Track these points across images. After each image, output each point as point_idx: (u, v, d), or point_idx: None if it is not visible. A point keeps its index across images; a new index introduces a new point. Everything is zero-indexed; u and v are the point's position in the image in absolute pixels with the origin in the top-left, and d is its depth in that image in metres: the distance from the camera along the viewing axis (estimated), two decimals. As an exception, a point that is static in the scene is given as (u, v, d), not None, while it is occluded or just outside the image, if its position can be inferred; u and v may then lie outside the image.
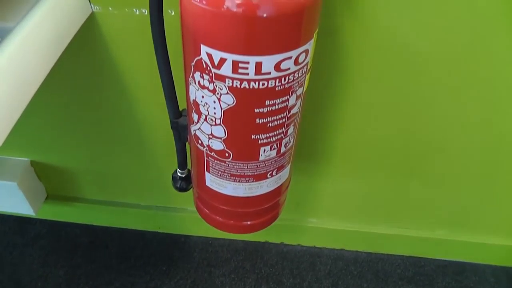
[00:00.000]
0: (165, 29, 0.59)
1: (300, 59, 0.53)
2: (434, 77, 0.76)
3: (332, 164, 0.98)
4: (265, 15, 0.47)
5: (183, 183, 0.86)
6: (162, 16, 0.58)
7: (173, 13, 0.70)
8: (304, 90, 0.60)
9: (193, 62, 0.54)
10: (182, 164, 0.82)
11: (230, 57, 0.50)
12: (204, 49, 0.51)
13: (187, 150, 0.77)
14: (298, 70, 0.54)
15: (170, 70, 0.65)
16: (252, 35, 0.49)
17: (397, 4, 0.66)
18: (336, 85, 0.79)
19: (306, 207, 1.13)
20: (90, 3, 0.73)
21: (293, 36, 0.51)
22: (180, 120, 0.71)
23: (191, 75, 0.57)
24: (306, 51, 0.54)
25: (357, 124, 0.87)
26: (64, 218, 1.29)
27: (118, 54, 0.79)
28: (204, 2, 0.47)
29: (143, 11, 0.72)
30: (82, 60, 0.81)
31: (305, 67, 0.56)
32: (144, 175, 1.11)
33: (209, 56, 0.51)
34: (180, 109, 0.72)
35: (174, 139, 0.76)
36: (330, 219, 1.16)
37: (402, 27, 0.69)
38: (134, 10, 0.72)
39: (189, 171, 0.84)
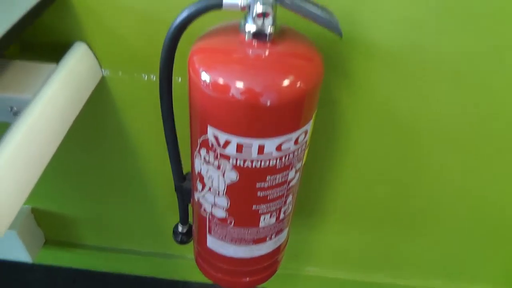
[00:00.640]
0: (172, 96, 0.62)
1: (300, 139, 0.57)
2: (426, 145, 0.79)
3: (330, 219, 1.01)
4: (268, 103, 0.50)
5: (184, 237, 0.88)
6: (171, 84, 0.61)
7: (180, 80, 0.74)
8: (303, 163, 0.63)
9: (199, 139, 0.57)
10: (184, 220, 0.84)
11: (235, 139, 0.53)
12: (211, 130, 0.54)
13: (189, 209, 0.79)
14: (298, 148, 0.58)
15: (176, 137, 0.68)
16: (256, 121, 0.52)
17: (392, 77, 0.70)
18: (335, 150, 0.83)
19: (305, 257, 1.14)
20: (101, 67, 0.76)
21: (294, 121, 0.54)
22: (184, 184, 0.74)
23: (197, 150, 0.60)
24: (306, 131, 0.57)
25: (355, 185, 0.90)
26: (62, 263, 1.29)
27: (125, 116, 0.83)
28: (211, 89, 0.51)
29: (152, 77, 0.76)
30: (90, 119, 0.84)
31: (304, 144, 0.59)
32: (144, 223, 1.12)
33: (216, 137, 0.54)
34: (184, 173, 0.75)
35: (177, 200, 0.78)
36: (328, 268, 1.17)
37: (396, 99, 0.73)
38: (143, 75, 0.76)
39: (190, 225, 0.86)
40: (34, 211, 1.15)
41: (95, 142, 0.90)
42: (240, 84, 0.49)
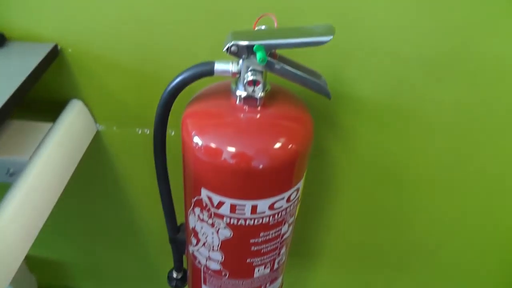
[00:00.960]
0: (166, 150, 0.63)
1: (292, 197, 0.58)
2: (413, 190, 0.82)
3: (322, 260, 1.01)
4: (260, 166, 0.52)
5: (179, 282, 0.88)
6: (165, 144, 0.63)
7: (173, 133, 0.75)
8: (296, 216, 0.65)
9: (193, 199, 0.59)
10: (179, 268, 0.84)
11: (228, 201, 0.55)
12: (204, 192, 0.56)
13: (184, 258, 0.80)
14: (290, 205, 0.59)
15: (170, 192, 0.69)
16: (249, 184, 0.54)
17: (377, 128, 0.73)
18: (325, 195, 0.84)
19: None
20: (95, 123, 0.78)
21: (286, 181, 0.56)
22: (178, 235, 0.75)
23: (191, 208, 0.61)
24: (298, 189, 0.59)
25: (346, 229, 0.91)
26: (55, 309, 1.27)
27: (120, 168, 0.84)
28: (203, 153, 0.53)
29: (145, 130, 0.78)
30: (85, 172, 0.85)
31: (297, 200, 0.61)
32: (139, 268, 1.12)
33: (209, 198, 0.56)
34: (179, 224, 0.76)
35: (172, 251, 0.78)
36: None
37: (383, 147, 0.75)
38: (137, 129, 0.78)
39: (185, 271, 0.86)
40: (26, 257, 1.14)
41: (90, 193, 0.91)
42: (232, 149, 0.51)
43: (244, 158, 0.52)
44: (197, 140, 0.53)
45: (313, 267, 1.04)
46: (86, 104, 0.76)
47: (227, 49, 0.49)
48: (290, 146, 0.53)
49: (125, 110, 0.76)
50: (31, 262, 1.16)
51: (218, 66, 0.52)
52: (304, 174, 0.60)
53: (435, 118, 0.70)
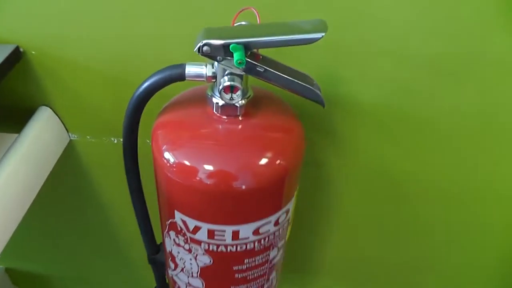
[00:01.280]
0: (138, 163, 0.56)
1: (281, 219, 0.51)
2: (417, 203, 0.74)
3: (319, 275, 0.94)
4: (243, 187, 0.44)
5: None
6: (137, 156, 0.55)
7: (149, 142, 0.68)
8: (286, 239, 0.57)
9: (167, 221, 0.51)
10: (162, 287, 0.77)
11: (205, 226, 0.47)
12: (178, 215, 0.48)
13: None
14: (279, 228, 0.52)
15: (146, 209, 0.62)
16: (229, 207, 0.46)
17: (381, 137, 0.65)
18: (323, 209, 0.77)
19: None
20: (67, 131, 0.71)
21: (274, 203, 0.48)
22: (158, 256, 0.67)
23: (166, 231, 0.53)
24: (287, 210, 0.51)
25: (344, 243, 0.84)
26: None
27: (97, 179, 0.77)
28: (175, 171, 0.45)
29: (121, 140, 0.70)
30: (60, 182, 0.78)
31: (287, 223, 0.53)
32: (123, 282, 1.05)
33: (184, 222, 0.48)
34: (159, 242, 0.68)
35: (152, 270, 0.71)
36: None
37: (387, 158, 0.68)
38: (112, 139, 0.71)
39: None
40: (8, 271, 1.08)
41: (67, 204, 0.84)
42: (208, 167, 0.44)
43: (223, 178, 0.44)
44: (168, 156, 0.45)
45: (309, 284, 0.96)
46: (56, 111, 0.68)
47: (198, 49, 0.41)
48: (278, 161, 0.46)
49: (99, 118, 0.69)
50: (14, 276, 1.10)
51: (190, 69, 0.44)
52: (296, 191, 0.52)
53: (444, 125, 0.62)
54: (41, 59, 0.62)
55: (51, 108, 0.68)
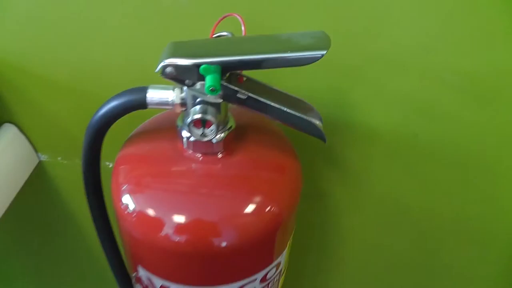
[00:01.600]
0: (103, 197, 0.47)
1: (270, 275, 0.41)
2: (439, 236, 0.64)
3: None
4: (223, 244, 0.35)
5: None
6: (99, 183, 0.45)
7: (110, 166, 0.59)
8: (281, 285, 0.48)
9: (133, 274, 0.42)
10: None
11: (174, 286, 0.38)
12: (142, 271, 0.39)
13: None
14: (268, 284, 0.42)
15: (115, 242, 0.52)
16: (204, 268, 0.37)
17: (395, 166, 0.55)
18: (328, 241, 0.67)
19: None
20: (36, 152, 0.63)
21: (262, 260, 0.39)
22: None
23: (134, 281, 0.44)
24: (278, 264, 0.41)
25: (350, 274, 0.74)
26: None
27: (69, 201, 0.69)
28: (136, 223, 0.36)
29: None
30: (30, 205, 0.70)
31: (278, 276, 0.44)
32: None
33: (149, 280, 0.39)
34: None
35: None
36: None
37: (400, 190, 0.58)
38: (86, 160, 0.62)
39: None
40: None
41: (37, 228, 0.76)
42: (179, 218, 0.35)
43: (197, 233, 0.35)
44: (127, 200, 0.36)
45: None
46: (23, 130, 0.60)
47: (161, 70, 0.32)
48: (268, 208, 0.36)
49: (71, 138, 0.60)
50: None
51: (153, 95, 0.35)
52: (290, 239, 0.43)
53: (468, 156, 0.52)
54: (4, 73, 0.54)
55: (16, 126, 0.59)
